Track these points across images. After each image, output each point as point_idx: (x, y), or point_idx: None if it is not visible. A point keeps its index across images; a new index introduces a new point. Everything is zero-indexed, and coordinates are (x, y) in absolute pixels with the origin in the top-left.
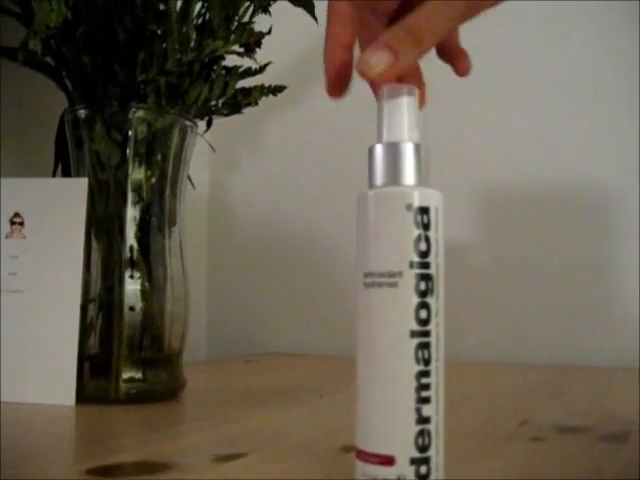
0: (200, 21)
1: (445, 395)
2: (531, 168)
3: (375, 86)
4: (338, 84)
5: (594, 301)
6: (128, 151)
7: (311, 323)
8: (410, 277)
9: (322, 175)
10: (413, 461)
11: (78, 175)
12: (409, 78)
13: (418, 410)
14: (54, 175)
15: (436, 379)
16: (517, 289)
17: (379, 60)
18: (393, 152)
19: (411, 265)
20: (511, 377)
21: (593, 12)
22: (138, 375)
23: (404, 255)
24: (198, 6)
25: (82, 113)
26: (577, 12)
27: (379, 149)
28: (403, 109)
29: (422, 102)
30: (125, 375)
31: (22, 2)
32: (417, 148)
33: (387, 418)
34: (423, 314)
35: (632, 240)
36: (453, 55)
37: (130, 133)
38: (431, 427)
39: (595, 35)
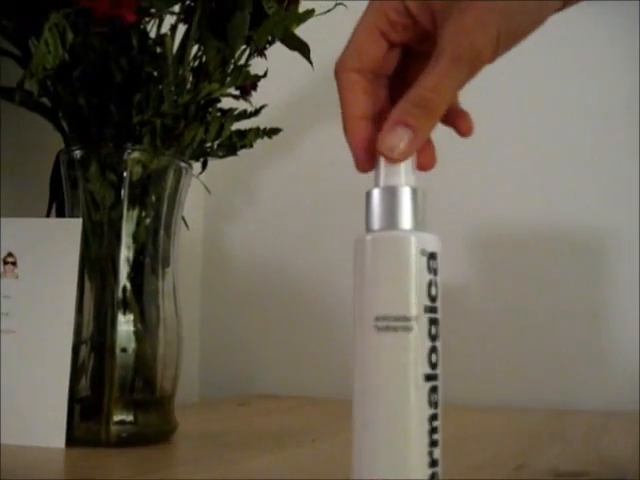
0: (196, 64)
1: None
2: (527, 211)
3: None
4: (366, 158)
5: (592, 345)
6: (123, 192)
7: (304, 365)
8: (424, 321)
9: (317, 217)
10: None
11: (72, 215)
12: (449, 112)
13: (430, 453)
14: (48, 215)
15: (441, 422)
16: (513, 333)
17: (399, 140)
18: (390, 196)
19: (425, 309)
20: (507, 421)
21: (592, 47)
22: (129, 418)
23: (419, 299)
24: (194, 49)
25: (77, 154)
26: (577, 47)
27: (376, 193)
28: None
29: (432, 163)
30: (116, 418)
31: (20, 43)
32: (414, 192)
33: (402, 464)
34: (434, 358)
35: (630, 284)
36: (454, 117)
37: (125, 174)
38: (439, 470)
39: (593, 73)
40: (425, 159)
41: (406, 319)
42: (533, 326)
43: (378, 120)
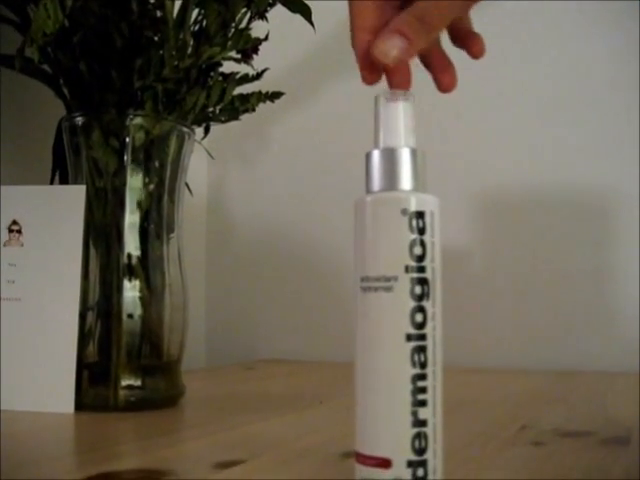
0: (197, 28)
1: (445, 400)
2: (530, 174)
3: (389, 73)
4: (370, 69)
5: (594, 306)
6: (126, 158)
7: (310, 329)
8: (406, 281)
9: (321, 183)
10: (410, 464)
11: (76, 182)
12: (434, 60)
13: (414, 413)
14: (52, 182)
15: (433, 382)
16: (517, 294)
17: (392, 46)
18: (390, 157)
19: (407, 269)
20: (511, 382)
21: (593, 14)
22: (137, 383)
23: (399, 259)
24: (195, 13)
25: (79, 120)
26: (578, 14)
27: (376, 155)
28: (399, 115)
29: (453, 83)
30: (124, 383)
31: (19, 10)
32: (413, 153)
33: (383, 421)
34: (419, 318)
35: (632, 245)
36: (466, 38)
37: (127, 140)
38: (428, 430)
39: (595, 39)
40: (447, 80)
41: (386, 279)
42: (537, 287)
43: None
